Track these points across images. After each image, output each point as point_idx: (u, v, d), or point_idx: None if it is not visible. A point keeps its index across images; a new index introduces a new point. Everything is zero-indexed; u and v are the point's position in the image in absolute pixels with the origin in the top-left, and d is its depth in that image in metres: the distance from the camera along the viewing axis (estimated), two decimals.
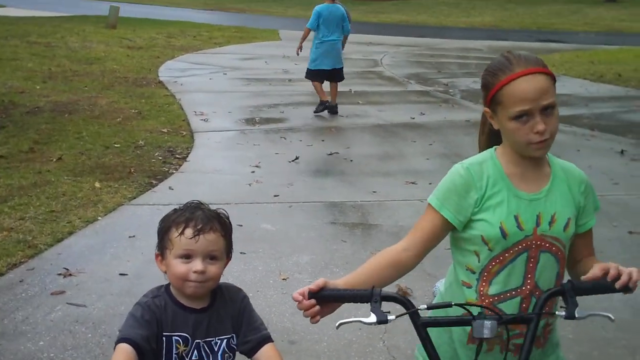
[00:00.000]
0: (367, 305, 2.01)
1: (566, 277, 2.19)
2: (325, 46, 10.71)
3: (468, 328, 2.18)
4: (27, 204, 6.38)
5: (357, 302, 2.03)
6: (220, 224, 2.21)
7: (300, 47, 11.24)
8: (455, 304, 2.02)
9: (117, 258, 5.32)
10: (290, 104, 11.82)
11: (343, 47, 11.15)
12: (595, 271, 2.00)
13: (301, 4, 36.35)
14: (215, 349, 2.23)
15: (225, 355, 2.24)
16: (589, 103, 12.62)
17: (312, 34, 10.94)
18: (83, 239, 5.74)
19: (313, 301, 2.02)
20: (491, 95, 2.13)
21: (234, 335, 2.26)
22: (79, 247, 5.58)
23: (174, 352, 2.17)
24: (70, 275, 5.04)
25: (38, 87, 12.13)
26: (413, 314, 2.01)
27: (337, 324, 2.01)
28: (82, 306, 4.59)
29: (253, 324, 2.28)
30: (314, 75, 10.94)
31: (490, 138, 2.32)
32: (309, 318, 2.04)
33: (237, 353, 2.30)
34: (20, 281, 4.92)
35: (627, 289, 1.97)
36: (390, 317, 1.96)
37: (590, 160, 8.34)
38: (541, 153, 2.13)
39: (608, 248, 5.60)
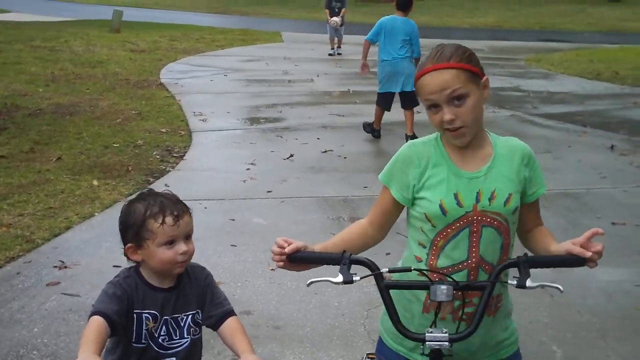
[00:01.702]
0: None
1: (517, 251, 2.34)
2: (389, 66, 9.14)
3: (423, 298, 2.35)
4: (26, 201, 6.58)
5: (328, 264, 2.22)
6: (184, 204, 2.40)
7: (364, 65, 9.55)
8: (415, 269, 2.25)
9: (111, 251, 5.47)
10: (288, 104, 11.99)
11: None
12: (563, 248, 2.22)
13: (305, 7, 36.62)
14: (182, 324, 2.42)
15: (191, 329, 2.44)
16: (584, 101, 12.72)
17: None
18: (79, 234, 5.93)
19: (283, 257, 2.30)
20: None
21: (199, 310, 2.45)
22: (75, 241, 5.77)
23: (144, 328, 2.36)
24: (65, 267, 5.23)
25: (41, 89, 12.35)
26: (377, 276, 2.19)
27: (307, 282, 2.23)
28: (76, 296, 4.78)
29: (216, 299, 2.47)
30: (380, 100, 9.52)
31: None
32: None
33: (205, 328, 2.48)
34: (17, 273, 5.12)
35: (582, 260, 2.20)
36: (355, 278, 2.13)
37: (580, 155, 8.51)
38: (460, 141, 2.29)
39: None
